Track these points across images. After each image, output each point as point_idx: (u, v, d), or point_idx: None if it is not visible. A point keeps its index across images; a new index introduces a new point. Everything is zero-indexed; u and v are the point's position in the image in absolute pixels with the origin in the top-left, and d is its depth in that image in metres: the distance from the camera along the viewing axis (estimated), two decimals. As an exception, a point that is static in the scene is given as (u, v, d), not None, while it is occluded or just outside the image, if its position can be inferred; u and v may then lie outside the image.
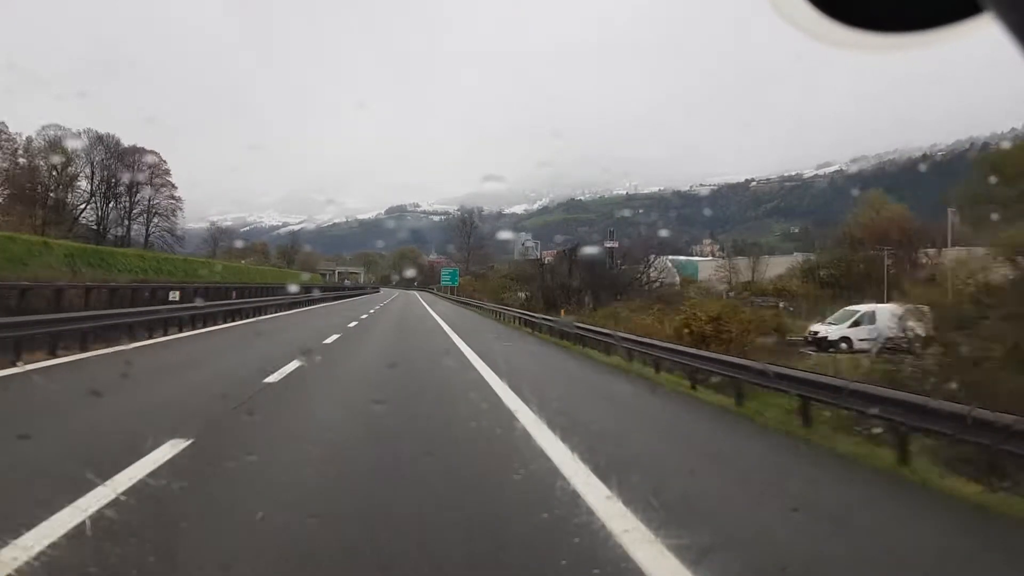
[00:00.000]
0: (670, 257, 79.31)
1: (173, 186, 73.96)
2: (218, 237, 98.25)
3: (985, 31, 0.80)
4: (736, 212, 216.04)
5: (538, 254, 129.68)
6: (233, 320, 22.93)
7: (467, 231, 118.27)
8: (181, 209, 73.77)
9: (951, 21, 0.82)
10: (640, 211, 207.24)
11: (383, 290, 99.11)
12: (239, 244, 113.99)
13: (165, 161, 74.33)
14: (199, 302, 21.33)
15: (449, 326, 25.09)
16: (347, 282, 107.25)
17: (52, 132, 63.30)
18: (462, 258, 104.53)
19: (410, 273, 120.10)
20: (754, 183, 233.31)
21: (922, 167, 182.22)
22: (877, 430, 6.91)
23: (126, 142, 69.88)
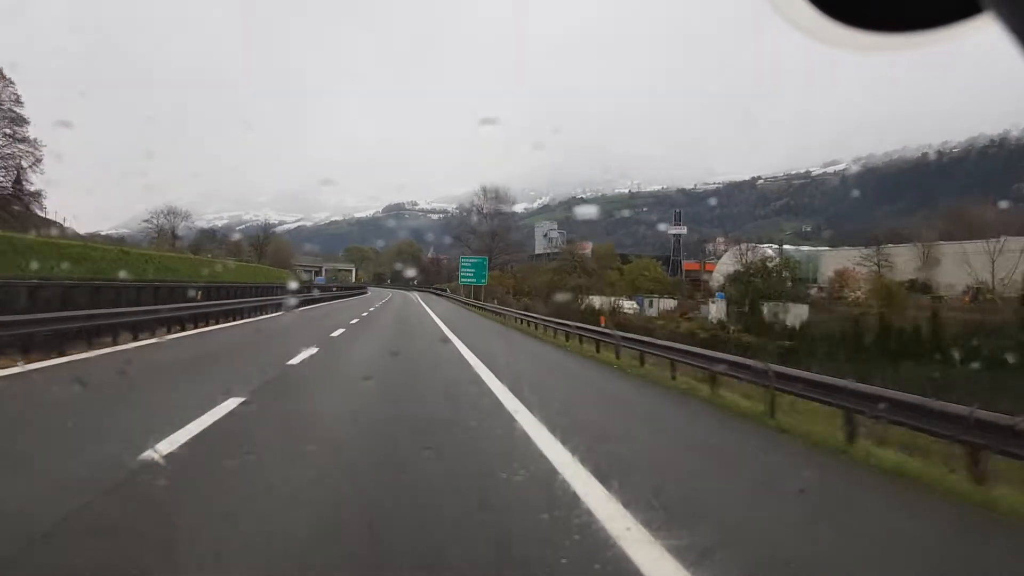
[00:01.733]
0: (769, 246, 62.40)
1: (22, 121, 46.87)
2: (174, 224, 79.69)
3: (985, 31, 0.83)
4: (744, 210, 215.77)
5: (564, 245, 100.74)
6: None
7: (490, 209, 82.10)
8: (39, 161, 47.41)
9: (951, 21, 0.84)
10: (644, 209, 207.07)
11: (371, 291, 78.10)
12: (236, 238, 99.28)
13: (11, 82, 45.88)
14: None
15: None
16: (319, 280, 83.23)
17: None
18: (482, 247, 74.02)
19: (410, 272, 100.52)
20: (761, 181, 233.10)
21: (931, 157, 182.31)
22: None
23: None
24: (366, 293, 71.29)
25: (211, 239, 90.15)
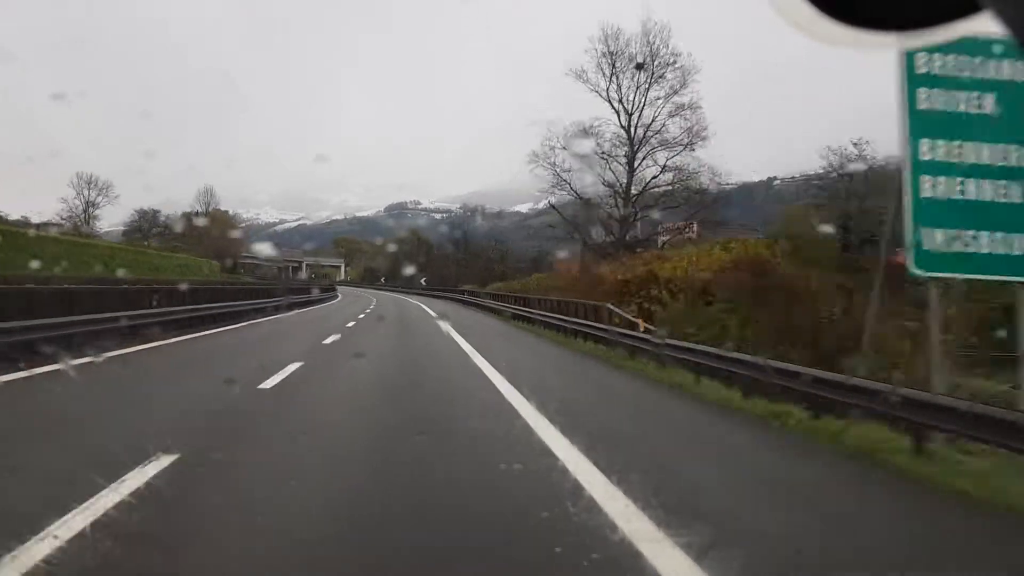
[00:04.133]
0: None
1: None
2: (89, 199, 58.70)
3: (983, 29, 0.86)
4: (763, 213, 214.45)
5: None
6: None
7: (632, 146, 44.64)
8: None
9: (951, 20, 0.88)
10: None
11: (342, 294, 51.12)
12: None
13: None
14: None
15: None
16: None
17: None
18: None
19: (410, 270, 72.42)
20: (777, 182, 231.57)
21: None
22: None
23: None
24: (336, 296, 45.94)
25: (148, 219, 70.25)
